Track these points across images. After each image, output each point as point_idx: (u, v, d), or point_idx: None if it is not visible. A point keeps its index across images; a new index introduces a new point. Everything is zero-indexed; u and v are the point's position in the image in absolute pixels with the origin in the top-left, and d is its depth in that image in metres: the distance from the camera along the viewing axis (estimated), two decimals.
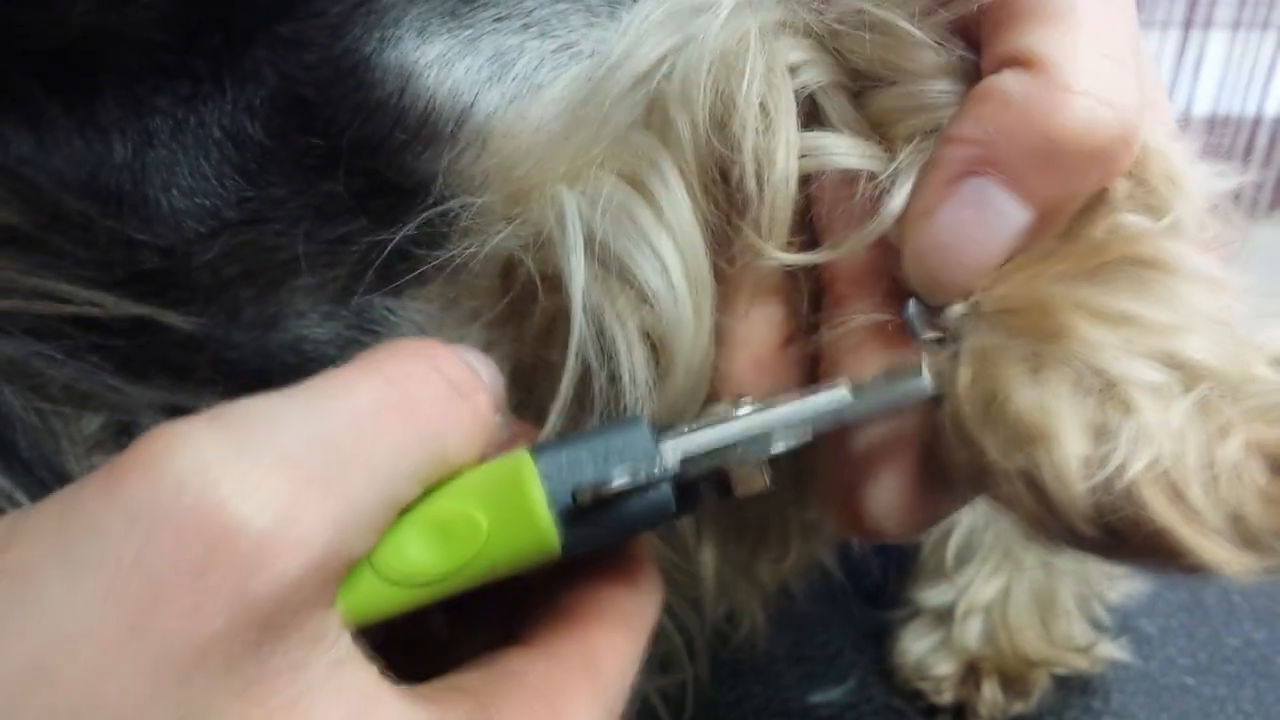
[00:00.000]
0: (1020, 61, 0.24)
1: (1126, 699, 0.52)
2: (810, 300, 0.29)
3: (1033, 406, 0.24)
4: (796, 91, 0.27)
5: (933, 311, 0.26)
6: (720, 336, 0.28)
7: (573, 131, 0.28)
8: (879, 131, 0.27)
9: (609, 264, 0.27)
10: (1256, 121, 1.28)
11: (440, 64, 0.29)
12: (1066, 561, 0.50)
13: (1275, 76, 1.26)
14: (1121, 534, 0.23)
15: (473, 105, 0.29)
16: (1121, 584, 0.54)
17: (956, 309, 0.26)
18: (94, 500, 0.20)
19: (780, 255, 0.27)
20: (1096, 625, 0.54)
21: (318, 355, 0.31)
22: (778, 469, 0.26)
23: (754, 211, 0.27)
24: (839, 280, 0.28)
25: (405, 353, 0.24)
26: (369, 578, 0.22)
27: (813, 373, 0.28)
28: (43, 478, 0.28)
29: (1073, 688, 0.52)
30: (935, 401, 0.26)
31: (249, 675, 0.20)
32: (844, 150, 0.27)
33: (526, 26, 0.30)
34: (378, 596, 0.23)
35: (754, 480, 0.25)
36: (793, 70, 0.27)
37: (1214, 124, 1.29)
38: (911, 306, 0.26)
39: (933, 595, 0.53)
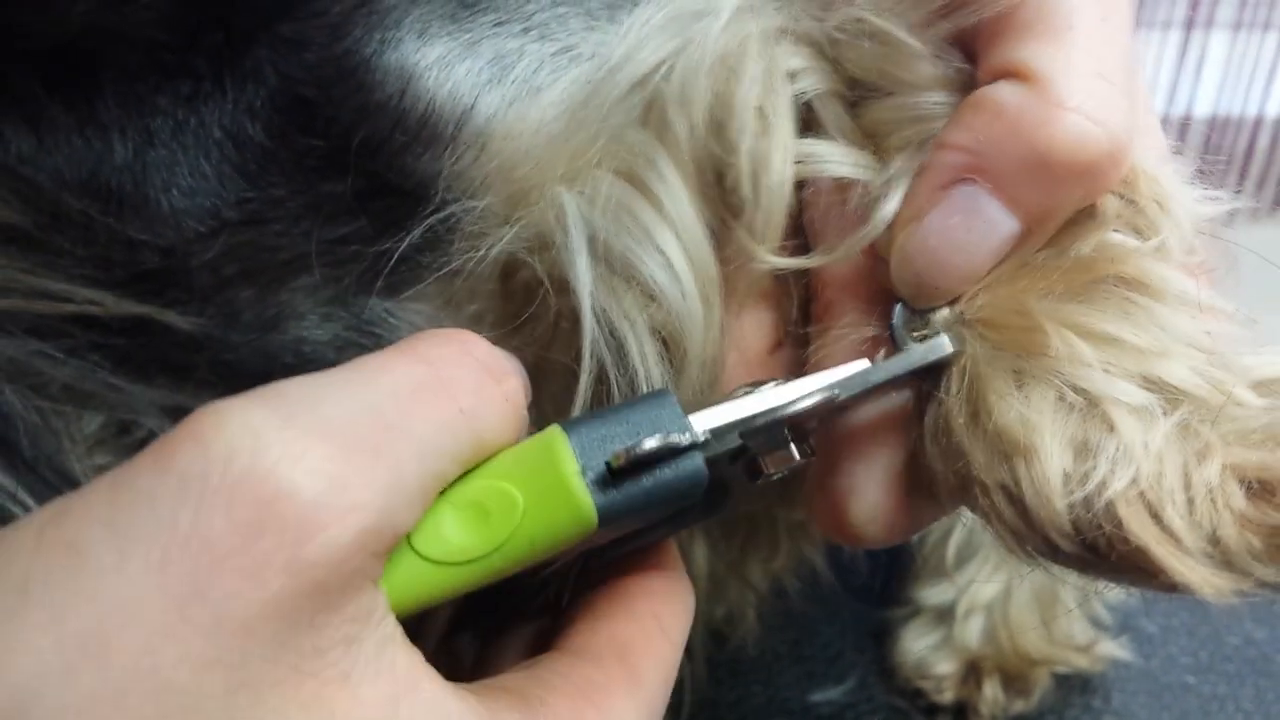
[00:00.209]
0: (1015, 74, 0.25)
1: (1127, 698, 0.52)
2: (799, 306, 0.29)
3: (1015, 421, 0.24)
4: (794, 98, 0.28)
5: (918, 317, 0.26)
6: None
7: (572, 133, 0.28)
8: (873, 141, 0.28)
9: (613, 263, 0.27)
10: (1258, 122, 1.28)
11: (440, 66, 0.29)
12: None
13: (1277, 77, 1.26)
14: (1099, 551, 0.23)
15: (473, 107, 0.29)
16: None
17: (941, 315, 0.26)
18: (145, 473, 0.20)
19: (772, 259, 0.28)
20: (1097, 624, 0.54)
21: (316, 356, 0.31)
22: (802, 442, 0.26)
23: (748, 215, 0.27)
24: (829, 286, 0.28)
25: (438, 337, 0.24)
26: (410, 559, 0.22)
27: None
28: (45, 477, 0.28)
29: (1074, 686, 0.52)
30: (918, 412, 0.26)
31: (304, 648, 0.20)
32: (838, 158, 0.27)
33: (526, 30, 0.30)
34: (419, 579, 0.23)
35: (784, 458, 0.25)
36: (791, 76, 0.28)
37: (1215, 125, 1.29)
38: (898, 314, 0.27)
39: (933, 594, 0.53)
